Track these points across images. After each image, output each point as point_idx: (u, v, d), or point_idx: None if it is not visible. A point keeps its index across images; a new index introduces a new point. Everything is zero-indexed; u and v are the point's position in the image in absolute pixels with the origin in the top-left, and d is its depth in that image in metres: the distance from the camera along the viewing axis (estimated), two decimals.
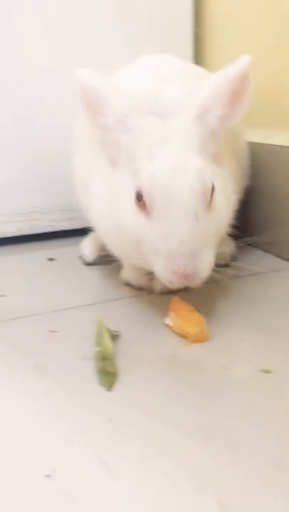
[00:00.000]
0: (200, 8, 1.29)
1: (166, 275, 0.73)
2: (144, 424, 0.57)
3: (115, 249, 0.90)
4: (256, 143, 1.07)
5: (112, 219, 0.81)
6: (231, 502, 0.46)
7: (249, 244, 1.16)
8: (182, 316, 0.77)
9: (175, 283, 0.73)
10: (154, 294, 0.92)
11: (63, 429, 0.56)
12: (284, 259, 1.07)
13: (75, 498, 0.47)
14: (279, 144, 1.03)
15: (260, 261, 1.08)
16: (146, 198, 0.73)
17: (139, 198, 0.74)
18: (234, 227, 1.10)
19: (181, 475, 0.49)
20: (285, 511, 0.45)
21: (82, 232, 1.16)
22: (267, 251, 1.12)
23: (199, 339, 0.74)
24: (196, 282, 0.73)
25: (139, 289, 0.94)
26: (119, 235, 0.81)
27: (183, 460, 0.51)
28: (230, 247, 1.09)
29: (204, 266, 0.73)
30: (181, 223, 0.71)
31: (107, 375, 0.66)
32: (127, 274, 0.97)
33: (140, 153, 0.76)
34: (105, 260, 1.08)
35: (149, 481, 0.49)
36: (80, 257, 1.11)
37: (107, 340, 0.72)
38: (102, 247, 1.08)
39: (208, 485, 0.48)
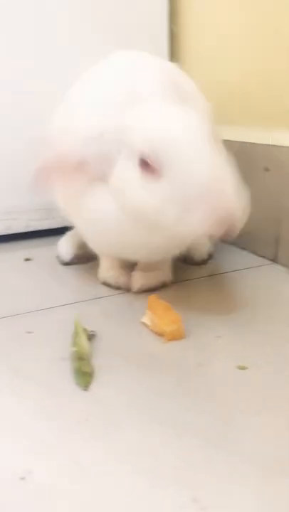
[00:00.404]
0: (176, 5, 1.29)
1: (207, 217, 0.68)
2: (119, 423, 0.57)
3: (105, 242, 0.87)
4: (232, 141, 1.07)
5: (116, 217, 0.78)
6: (206, 499, 0.47)
7: (226, 242, 1.17)
8: (159, 315, 0.77)
9: (220, 221, 0.68)
10: (132, 292, 0.92)
11: (38, 431, 0.56)
12: (260, 256, 1.08)
13: (49, 499, 0.47)
14: (255, 141, 1.04)
15: (237, 258, 1.09)
16: (152, 157, 0.70)
17: (144, 163, 0.72)
18: None
19: (157, 473, 0.50)
20: (259, 508, 0.46)
21: (59, 231, 1.15)
22: (244, 248, 1.13)
23: (176, 337, 0.74)
24: (239, 215, 0.69)
25: (117, 288, 0.94)
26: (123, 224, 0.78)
27: (158, 458, 0.52)
28: (207, 244, 1.10)
29: (239, 198, 0.70)
30: (204, 160, 0.69)
31: (84, 375, 0.65)
32: (104, 273, 0.97)
33: (130, 133, 0.74)
34: (82, 259, 1.08)
35: (124, 479, 0.49)
36: (57, 257, 1.10)
37: (83, 340, 0.72)
38: (80, 246, 1.09)
39: (184, 482, 0.49)
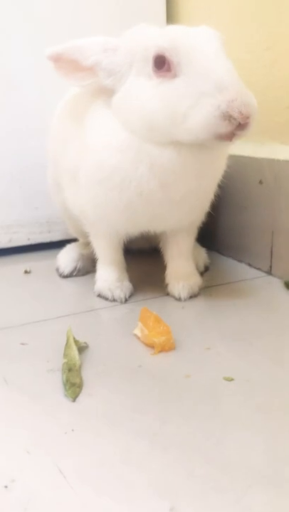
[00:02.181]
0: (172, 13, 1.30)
1: (224, 107, 0.69)
2: (104, 433, 0.58)
3: (111, 198, 0.84)
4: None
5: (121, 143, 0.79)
6: (184, 508, 0.47)
7: (223, 254, 1.19)
8: (149, 326, 0.78)
9: (236, 113, 0.69)
10: (126, 303, 0.94)
11: (24, 440, 0.57)
12: (256, 268, 1.09)
13: (32, 508, 0.48)
14: (248, 155, 1.06)
15: (233, 270, 1.10)
16: (170, 51, 0.72)
17: (160, 61, 0.74)
18: (207, 237, 1.13)
19: (137, 482, 0.51)
20: None
21: (59, 244, 1.18)
22: (240, 260, 1.14)
23: (165, 348, 0.75)
24: (254, 110, 0.70)
25: (112, 300, 0.96)
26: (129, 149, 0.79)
27: (139, 467, 0.53)
28: (203, 257, 1.11)
29: (252, 95, 0.71)
30: (220, 60, 0.72)
31: (72, 386, 0.67)
32: (100, 285, 0.98)
33: (148, 42, 0.76)
34: (81, 272, 1.10)
35: (105, 489, 0.50)
36: (56, 270, 1.12)
37: (74, 351, 0.73)
38: (79, 259, 1.11)
39: (163, 491, 0.49)
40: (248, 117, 0.70)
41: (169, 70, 0.73)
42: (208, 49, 0.73)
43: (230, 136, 0.72)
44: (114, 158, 0.80)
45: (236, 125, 0.70)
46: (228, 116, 0.69)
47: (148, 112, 0.76)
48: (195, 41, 0.74)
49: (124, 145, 0.79)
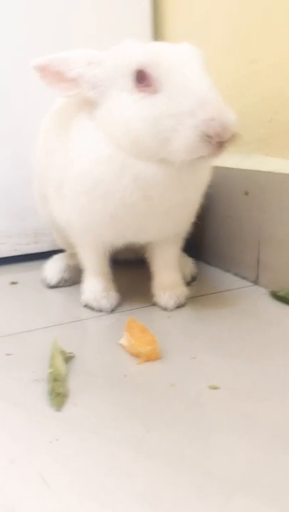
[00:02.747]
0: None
1: (203, 128, 0.70)
2: (89, 442, 0.58)
3: (96, 197, 0.83)
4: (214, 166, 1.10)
5: (107, 150, 0.80)
6: None
7: (210, 264, 1.20)
8: (135, 336, 0.78)
9: (214, 134, 0.70)
10: (114, 313, 0.94)
11: (9, 449, 0.57)
12: (243, 278, 1.09)
13: None
14: (234, 167, 1.07)
15: (220, 280, 1.10)
16: (151, 67, 0.74)
17: (141, 76, 0.75)
18: (194, 247, 1.13)
19: (121, 489, 0.50)
20: None
21: (46, 255, 1.18)
22: (227, 270, 1.14)
23: (151, 358, 0.75)
24: (232, 127, 0.70)
25: (99, 310, 0.96)
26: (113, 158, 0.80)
27: (123, 475, 0.52)
28: (190, 267, 1.12)
29: (232, 111, 0.72)
30: (199, 76, 0.73)
31: (58, 395, 0.66)
32: (86, 295, 0.98)
33: (130, 57, 0.77)
34: (68, 283, 1.10)
35: (89, 498, 0.50)
36: (43, 280, 1.12)
37: (59, 361, 0.73)
38: (66, 269, 1.11)
39: (147, 498, 0.49)
40: (226, 136, 0.71)
41: (149, 85, 0.75)
42: (188, 66, 0.75)
43: (213, 155, 0.73)
44: (97, 169, 0.81)
45: (218, 145, 0.71)
46: (208, 137, 0.71)
47: (132, 129, 0.77)
48: (175, 57, 0.76)
49: (107, 157, 0.80)
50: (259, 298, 1.00)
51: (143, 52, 0.77)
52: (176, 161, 0.76)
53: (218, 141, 0.71)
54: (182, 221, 0.93)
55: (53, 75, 0.81)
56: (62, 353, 0.76)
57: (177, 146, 0.73)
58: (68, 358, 0.76)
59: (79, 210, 0.88)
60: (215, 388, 0.68)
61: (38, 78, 0.82)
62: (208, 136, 0.71)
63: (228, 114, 0.71)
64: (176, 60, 0.75)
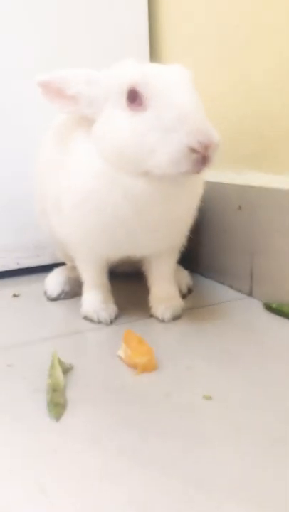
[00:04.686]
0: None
1: (186, 141, 0.74)
2: (86, 453, 0.60)
3: (90, 211, 0.87)
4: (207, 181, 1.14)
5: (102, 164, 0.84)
6: None
7: (205, 277, 1.22)
8: (132, 347, 0.81)
9: (196, 144, 0.74)
10: (113, 325, 0.97)
11: (7, 459, 0.59)
12: (237, 290, 1.12)
13: None
14: (227, 182, 1.10)
15: (215, 292, 1.13)
16: (142, 85, 0.78)
17: (132, 95, 0.79)
18: (190, 260, 1.16)
19: (116, 498, 0.53)
20: None
21: (47, 268, 1.21)
22: (222, 283, 1.17)
23: (148, 369, 0.78)
24: (213, 140, 0.75)
25: (98, 322, 0.99)
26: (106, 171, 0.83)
27: (118, 484, 0.55)
28: (186, 279, 1.14)
29: (212, 127, 0.76)
30: (185, 94, 0.78)
31: (56, 406, 0.69)
32: (86, 307, 1.01)
33: (123, 77, 0.81)
34: (69, 295, 1.13)
35: (85, 505, 0.52)
36: (44, 293, 1.15)
37: (58, 372, 0.76)
38: (67, 282, 1.14)
39: (141, 507, 0.51)
40: (208, 147, 0.74)
41: (140, 103, 0.79)
42: (176, 85, 0.79)
43: (196, 170, 0.77)
44: (89, 183, 0.85)
45: (200, 161, 0.75)
46: (192, 150, 0.74)
47: (119, 142, 0.81)
48: (165, 78, 0.80)
49: (99, 172, 0.84)
50: (253, 310, 1.03)
51: (135, 72, 0.81)
52: (160, 175, 0.79)
53: (201, 156, 0.75)
54: (175, 235, 0.96)
55: (54, 91, 0.86)
56: (62, 364, 0.79)
57: (160, 158, 0.77)
58: (67, 369, 0.79)
59: (75, 224, 0.92)
60: (209, 398, 0.70)
61: (41, 94, 0.86)
62: (192, 149, 0.74)
63: (207, 128, 0.75)
64: (166, 80, 0.80)
